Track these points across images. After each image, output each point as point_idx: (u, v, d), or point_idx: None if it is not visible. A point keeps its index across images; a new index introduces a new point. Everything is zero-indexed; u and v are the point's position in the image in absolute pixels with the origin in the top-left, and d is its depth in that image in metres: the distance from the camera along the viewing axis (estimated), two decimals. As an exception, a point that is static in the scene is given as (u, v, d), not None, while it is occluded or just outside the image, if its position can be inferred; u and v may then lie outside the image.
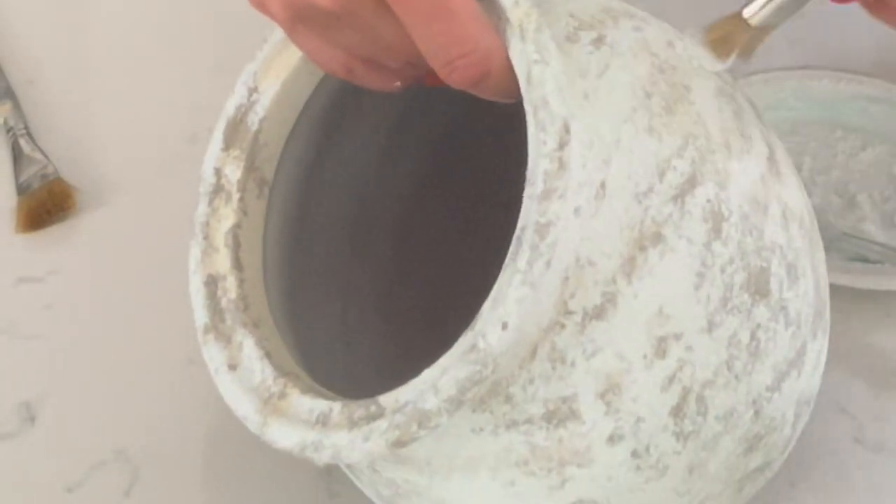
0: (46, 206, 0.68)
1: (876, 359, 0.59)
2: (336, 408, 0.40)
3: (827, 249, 0.61)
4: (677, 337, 0.38)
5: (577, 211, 0.37)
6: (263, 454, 0.54)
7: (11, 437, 0.58)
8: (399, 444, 0.37)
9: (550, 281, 0.36)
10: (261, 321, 0.45)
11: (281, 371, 0.43)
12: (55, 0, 0.84)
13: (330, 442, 0.39)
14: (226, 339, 0.44)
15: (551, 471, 0.39)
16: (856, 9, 0.55)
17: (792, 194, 0.43)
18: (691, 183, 0.39)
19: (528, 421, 0.38)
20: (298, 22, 0.41)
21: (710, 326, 0.39)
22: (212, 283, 0.45)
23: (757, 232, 0.40)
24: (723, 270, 0.39)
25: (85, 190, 0.70)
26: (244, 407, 0.42)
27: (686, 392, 0.39)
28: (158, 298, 0.63)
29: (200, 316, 0.45)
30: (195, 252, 0.46)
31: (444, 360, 0.37)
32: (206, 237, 0.46)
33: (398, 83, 0.42)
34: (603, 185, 0.38)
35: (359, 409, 0.39)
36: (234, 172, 0.47)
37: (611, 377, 0.38)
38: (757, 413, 0.41)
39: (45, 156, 0.71)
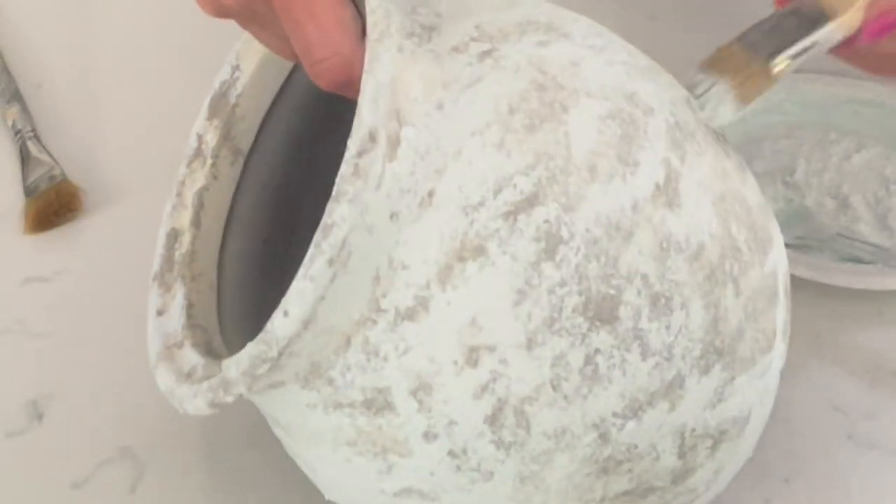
0: (54, 207, 0.69)
1: (868, 357, 0.59)
2: (202, 364, 0.43)
3: (821, 250, 0.62)
4: (490, 349, 0.39)
5: (394, 216, 0.38)
6: (266, 451, 0.55)
7: (19, 435, 0.58)
8: (213, 405, 0.40)
9: (344, 278, 0.37)
10: (200, 276, 0.47)
11: (191, 322, 0.45)
12: (62, 6, 0.85)
13: (178, 392, 0.42)
14: (166, 287, 0.47)
15: (377, 455, 0.41)
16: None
17: (688, 225, 0.41)
18: (530, 202, 0.39)
19: (351, 405, 0.40)
20: (222, 14, 0.43)
21: (530, 344, 0.39)
22: (173, 235, 0.49)
23: (607, 259, 0.39)
24: (551, 291, 0.39)
25: (91, 191, 0.70)
26: (152, 349, 0.46)
27: (502, 403, 0.39)
28: (164, 298, 0.64)
29: (155, 264, 0.48)
30: (168, 206, 0.50)
31: (259, 336, 0.39)
32: (178, 195, 0.50)
33: None
34: (430, 194, 0.39)
35: (210, 368, 0.42)
36: (212, 140, 0.50)
37: (421, 377, 0.39)
38: (603, 437, 0.40)
39: (53, 158, 0.71)
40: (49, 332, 0.63)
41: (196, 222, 0.49)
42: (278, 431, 0.46)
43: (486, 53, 0.41)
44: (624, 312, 0.39)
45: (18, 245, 0.68)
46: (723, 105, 0.45)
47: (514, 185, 0.39)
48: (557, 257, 0.39)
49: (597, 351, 0.39)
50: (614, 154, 0.40)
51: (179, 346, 0.45)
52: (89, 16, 0.85)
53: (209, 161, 0.50)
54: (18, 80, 0.77)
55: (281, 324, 0.37)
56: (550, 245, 0.39)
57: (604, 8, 0.72)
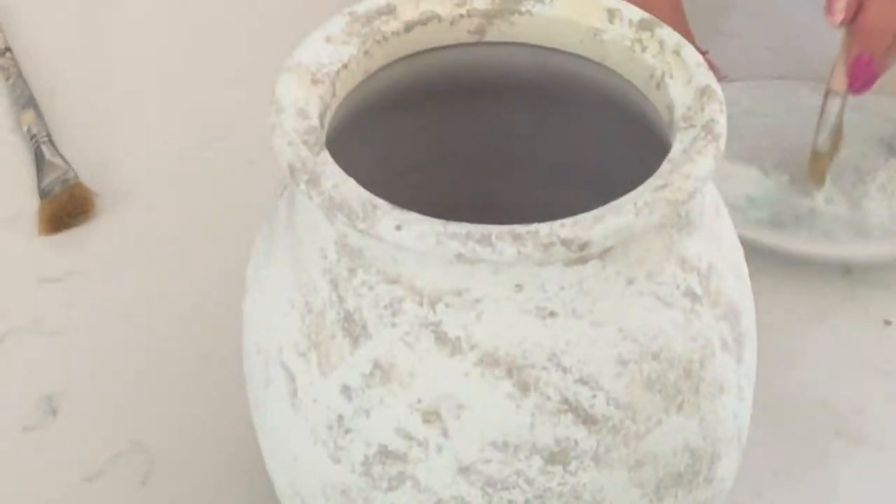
0: (67, 209, 0.69)
1: (856, 355, 0.60)
2: (316, 125, 0.41)
3: (796, 226, 0.65)
4: None
5: None
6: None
7: (34, 430, 0.59)
8: (292, 169, 0.39)
9: None
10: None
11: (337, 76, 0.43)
12: (76, 15, 0.86)
13: (281, 116, 0.40)
14: (348, 34, 0.45)
15: None
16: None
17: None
18: None
19: None
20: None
21: None
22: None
23: None
24: None
25: (104, 194, 0.71)
26: (297, 56, 0.43)
27: None
28: (173, 297, 0.64)
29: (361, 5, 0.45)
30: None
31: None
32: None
33: None
34: None
35: (314, 135, 0.40)
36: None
37: None
38: None
39: (66, 162, 0.72)
40: (63, 330, 0.64)
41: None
42: None
43: (633, 280, 0.40)
44: None
45: (33, 246, 0.69)
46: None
47: None
48: None
49: None
50: None
51: (315, 82, 0.42)
52: (103, 24, 0.85)
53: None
54: (33, 87, 0.78)
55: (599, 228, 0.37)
56: None
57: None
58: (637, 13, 0.45)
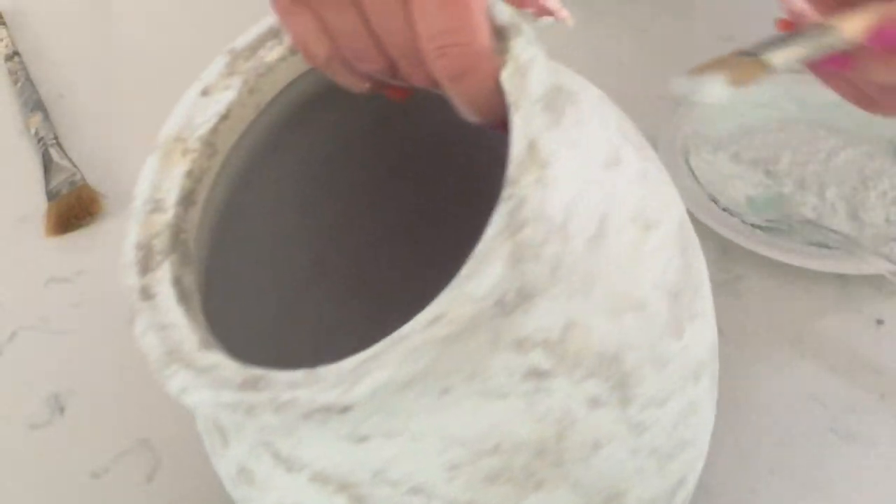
0: (74, 211, 0.70)
1: (849, 353, 0.60)
2: (165, 250, 0.44)
3: (790, 234, 0.64)
4: None
5: None
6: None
7: (42, 427, 0.59)
8: (130, 318, 0.42)
9: None
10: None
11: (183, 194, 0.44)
12: (83, 19, 0.86)
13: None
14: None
15: None
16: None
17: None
18: None
19: None
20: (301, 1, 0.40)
21: None
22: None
23: None
24: None
25: (110, 195, 0.72)
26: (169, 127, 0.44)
27: None
28: (178, 297, 0.66)
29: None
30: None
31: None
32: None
33: (367, 86, 0.42)
34: None
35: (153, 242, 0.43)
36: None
37: None
38: None
39: (73, 164, 0.73)
40: (70, 329, 0.64)
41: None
42: None
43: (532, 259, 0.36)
44: None
45: (41, 247, 0.69)
46: (713, 85, 0.42)
47: None
48: None
49: None
50: None
51: (185, 152, 0.42)
52: (109, 28, 0.86)
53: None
54: (41, 91, 0.79)
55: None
56: None
57: (575, 48, 0.73)
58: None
